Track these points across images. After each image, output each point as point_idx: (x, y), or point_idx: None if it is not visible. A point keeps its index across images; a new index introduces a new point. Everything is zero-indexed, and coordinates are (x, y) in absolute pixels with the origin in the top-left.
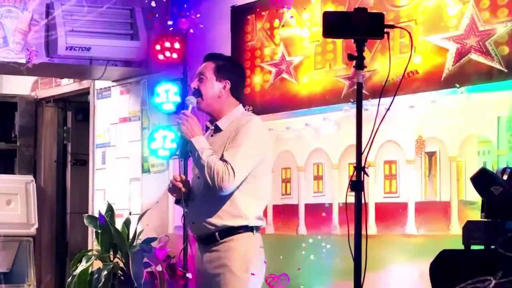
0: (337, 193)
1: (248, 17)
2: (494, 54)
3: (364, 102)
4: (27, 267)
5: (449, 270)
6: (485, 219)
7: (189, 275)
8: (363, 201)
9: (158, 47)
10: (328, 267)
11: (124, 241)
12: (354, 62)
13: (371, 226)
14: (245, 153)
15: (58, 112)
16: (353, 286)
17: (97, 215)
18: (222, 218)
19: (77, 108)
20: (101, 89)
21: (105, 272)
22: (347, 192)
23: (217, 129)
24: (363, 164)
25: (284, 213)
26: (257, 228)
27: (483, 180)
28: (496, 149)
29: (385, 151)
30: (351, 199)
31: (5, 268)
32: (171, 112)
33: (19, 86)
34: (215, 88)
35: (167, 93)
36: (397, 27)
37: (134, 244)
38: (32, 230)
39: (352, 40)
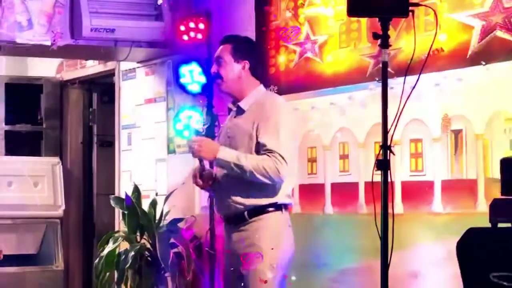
0: (363, 172)
1: None
2: None
3: (389, 81)
4: (54, 249)
5: (475, 248)
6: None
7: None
8: (389, 180)
9: (182, 27)
10: (355, 246)
11: (151, 222)
12: (379, 41)
13: (398, 205)
14: (286, 137)
15: (83, 94)
16: (380, 265)
17: (123, 197)
18: (250, 197)
19: (103, 90)
20: (126, 70)
21: (132, 253)
22: (373, 171)
23: (240, 110)
24: (389, 143)
25: (310, 192)
26: (285, 207)
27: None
28: None
29: (411, 130)
30: (377, 178)
31: (33, 250)
32: (196, 92)
33: (44, 68)
34: (234, 69)
35: (192, 74)
36: (422, 5)
37: (161, 225)
38: (59, 212)
39: (377, 19)
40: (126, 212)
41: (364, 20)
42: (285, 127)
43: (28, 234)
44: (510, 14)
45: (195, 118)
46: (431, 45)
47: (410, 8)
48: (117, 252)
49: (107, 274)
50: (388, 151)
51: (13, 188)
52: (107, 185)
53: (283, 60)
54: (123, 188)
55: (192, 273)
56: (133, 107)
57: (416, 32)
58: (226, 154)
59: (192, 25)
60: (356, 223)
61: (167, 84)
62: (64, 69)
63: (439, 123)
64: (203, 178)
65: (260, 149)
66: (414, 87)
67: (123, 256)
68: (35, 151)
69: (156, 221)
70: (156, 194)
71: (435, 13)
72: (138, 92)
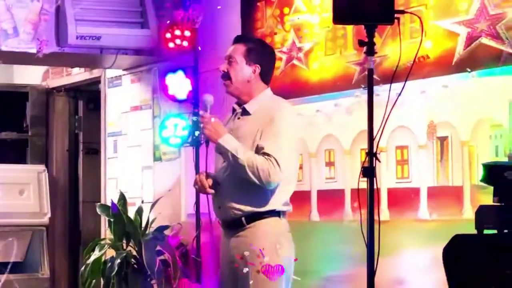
0: (349, 179)
1: (258, 4)
2: (505, 38)
3: (375, 88)
4: (40, 257)
5: (462, 255)
6: (498, 204)
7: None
8: (375, 187)
9: (168, 35)
10: (341, 253)
11: (137, 230)
12: (364, 48)
13: (384, 212)
14: (285, 143)
15: (69, 102)
16: (367, 272)
17: (109, 204)
18: (248, 203)
19: (88, 97)
20: (112, 77)
21: (118, 261)
22: (359, 178)
23: (245, 112)
24: (375, 150)
25: (296, 199)
26: (283, 213)
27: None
28: (508, 133)
29: (396, 137)
30: (364, 184)
31: (19, 257)
32: (182, 100)
33: (30, 76)
34: (244, 72)
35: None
36: (407, 12)
37: (147, 232)
38: (45, 220)
39: (363, 26)
40: (112, 219)
41: (350, 27)
42: (286, 134)
43: (14, 241)
44: (495, 21)
45: (181, 125)
46: (417, 52)
47: (396, 15)
48: (103, 259)
49: (93, 281)
50: (374, 158)
51: None
52: (93, 193)
53: None
54: (109, 196)
55: (178, 280)
56: (119, 115)
57: (402, 39)
58: (228, 141)
59: (178, 32)
60: (342, 230)
61: (153, 92)
62: (50, 77)
63: (425, 130)
64: (211, 187)
65: (258, 151)
66: (399, 94)
67: (109, 264)
68: (20, 159)
69: (142, 229)
70: (142, 202)
71: (420, 20)
72: (124, 100)
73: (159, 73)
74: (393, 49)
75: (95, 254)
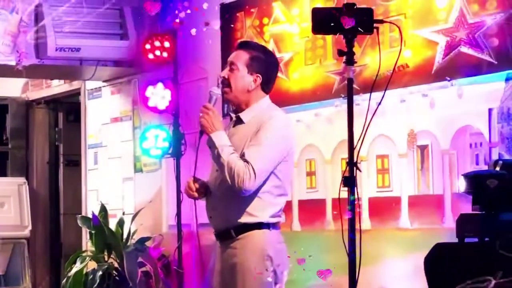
0: (330, 188)
1: (237, 14)
2: (484, 46)
3: (355, 97)
4: (22, 269)
5: (443, 263)
6: (479, 212)
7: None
8: (356, 196)
9: (148, 46)
10: (323, 262)
11: (118, 241)
12: (344, 58)
13: (365, 221)
14: (266, 153)
15: (49, 114)
16: (348, 281)
17: (90, 216)
18: (237, 215)
19: (68, 109)
20: (92, 89)
21: (100, 273)
22: (340, 187)
23: (240, 121)
24: (355, 159)
25: None
26: (274, 225)
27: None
28: (487, 141)
29: (377, 146)
30: (345, 194)
31: (0, 270)
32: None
33: (10, 88)
34: (245, 81)
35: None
36: (386, 21)
37: (128, 244)
38: (26, 232)
39: (342, 36)
40: (93, 231)
41: (329, 37)
42: (270, 144)
43: None
44: (474, 29)
45: (162, 137)
46: (396, 61)
47: (375, 25)
48: (84, 271)
49: None
50: (355, 168)
51: None
52: (73, 205)
53: None
54: (90, 208)
55: None
56: (99, 126)
57: (381, 49)
58: (219, 137)
59: (157, 43)
60: (323, 240)
61: (133, 103)
62: (29, 89)
63: (405, 139)
64: (197, 190)
65: (241, 156)
66: (379, 103)
67: (91, 276)
68: (0, 172)
69: (124, 240)
70: (123, 213)
71: (399, 29)
72: (104, 111)
73: (139, 84)
74: (372, 58)
75: (77, 267)
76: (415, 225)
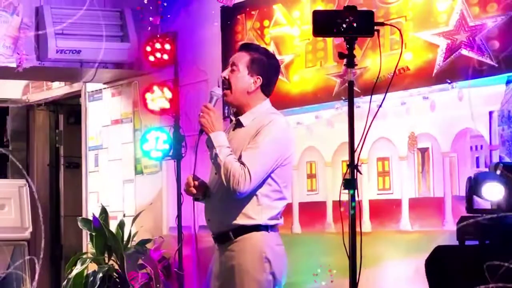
0: (330, 191)
1: (238, 16)
2: (484, 49)
3: (355, 100)
4: (22, 271)
5: (444, 266)
6: (479, 215)
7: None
8: (356, 199)
9: (148, 48)
10: (323, 265)
11: (119, 243)
12: (345, 60)
13: (366, 223)
14: (263, 156)
15: (49, 116)
16: (349, 283)
17: (91, 218)
18: (235, 217)
19: (69, 111)
20: (92, 91)
21: (100, 275)
22: (340, 190)
23: (239, 124)
24: (356, 162)
25: None
26: (272, 227)
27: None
28: (488, 144)
29: (378, 148)
30: (345, 196)
31: (0, 272)
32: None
33: (10, 90)
34: (245, 82)
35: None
36: (387, 24)
37: (129, 246)
38: (26, 234)
39: (343, 38)
40: (93, 233)
41: (330, 39)
42: (268, 148)
43: None
44: (475, 32)
45: (162, 139)
46: (397, 64)
47: (376, 27)
48: (85, 273)
49: None
50: (355, 170)
51: None
52: (74, 207)
53: None
54: (91, 210)
55: None
56: (100, 128)
57: (382, 51)
58: (218, 138)
59: (158, 45)
60: (324, 242)
61: (133, 105)
62: (30, 91)
63: (405, 142)
64: (196, 187)
65: (239, 158)
66: (380, 105)
67: (91, 278)
68: (1, 173)
69: (124, 242)
70: (124, 215)
71: (400, 32)
72: (105, 113)
73: (139, 86)
74: (373, 61)
75: (77, 269)
76: (415, 228)
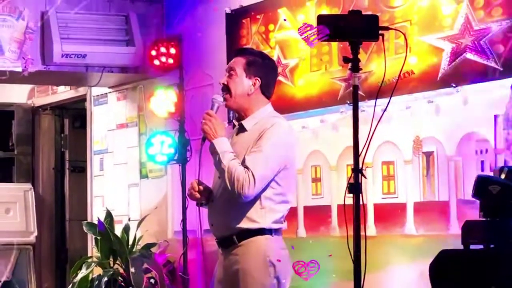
0: (335, 195)
1: (243, 20)
2: (489, 53)
3: (360, 104)
4: (27, 275)
5: (448, 270)
6: (484, 219)
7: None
8: (361, 203)
9: (153, 52)
10: (328, 268)
11: (124, 247)
12: (349, 65)
13: (370, 227)
14: (266, 160)
15: (55, 120)
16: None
17: (96, 222)
18: (239, 221)
19: (74, 115)
20: (97, 95)
21: (105, 279)
22: (345, 194)
23: (242, 129)
24: (360, 166)
25: None
26: (276, 231)
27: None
28: (493, 147)
29: (382, 152)
30: (350, 200)
31: (6, 276)
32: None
33: (16, 94)
34: (244, 85)
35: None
36: (391, 28)
37: (134, 250)
38: (32, 238)
39: (347, 42)
40: (99, 237)
41: (334, 44)
42: (272, 152)
43: (1, 260)
44: (480, 36)
45: (167, 143)
46: (402, 68)
47: (380, 31)
48: (90, 277)
49: None
50: (360, 174)
51: None
52: (79, 211)
53: None
54: (96, 214)
55: None
56: (105, 132)
57: (387, 55)
58: (221, 144)
59: (163, 50)
60: (329, 246)
61: (139, 109)
62: (35, 95)
63: (410, 145)
64: (201, 192)
65: (242, 163)
66: (385, 109)
67: (96, 282)
68: (6, 178)
69: (129, 246)
70: (129, 219)
71: (404, 36)
72: (110, 117)
73: (144, 90)
74: (378, 65)
75: (82, 272)
76: (420, 232)
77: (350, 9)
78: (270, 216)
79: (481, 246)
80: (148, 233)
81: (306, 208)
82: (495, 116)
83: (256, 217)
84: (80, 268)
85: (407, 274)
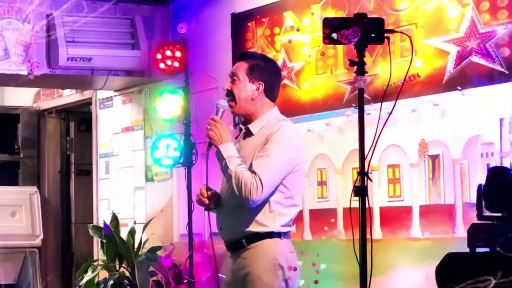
0: (341, 198)
1: (249, 24)
2: (495, 56)
3: (366, 107)
4: (33, 279)
5: (454, 273)
6: (490, 222)
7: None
8: (367, 206)
9: (159, 55)
10: (334, 272)
11: (130, 251)
12: (355, 68)
13: (376, 230)
14: (274, 164)
15: (60, 123)
16: None
17: (102, 225)
18: (248, 225)
19: (80, 119)
20: (103, 99)
21: (111, 282)
22: (351, 197)
23: (249, 133)
24: (366, 169)
25: None
26: (285, 234)
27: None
28: (499, 151)
29: (388, 155)
30: (356, 203)
31: (12, 279)
32: (173, 120)
33: (21, 97)
34: (248, 89)
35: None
36: (397, 31)
37: (140, 253)
38: (37, 241)
39: (353, 45)
40: (104, 240)
41: (340, 47)
42: (279, 156)
43: (7, 264)
44: (485, 39)
45: (173, 146)
46: (407, 71)
47: (386, 34)
48: (96, 281)
49: None
50: (366, 177)
51: None
52: (85, 214)
53: None
54: (101, 217)
55: None
56: (111, 136)
57: (392, 58)
58: (227, 149)
59: (168, 53)
60: (334, 249)
61: (144, 112)
62: (41, 98)
63: (416, 149)
64: (209, 197)
65: (250, 167)
66: (390, 113)
67: (102, 285)
68: (12, 181)
69: (135, 250)
70: (135, 223)
71: (410, 39)
72: (116, 121)
73: (150, 94)
74: (383, 68)
75: (88, 276)
76: (426, 235)
77: (356, 12)
78: (279, 220)
79: (487, 249)
80: (154, 236)
81: (311, 211)
82: (501, 119)
83: (265, 221)
84: (86, 272)
85: (413, 277)
